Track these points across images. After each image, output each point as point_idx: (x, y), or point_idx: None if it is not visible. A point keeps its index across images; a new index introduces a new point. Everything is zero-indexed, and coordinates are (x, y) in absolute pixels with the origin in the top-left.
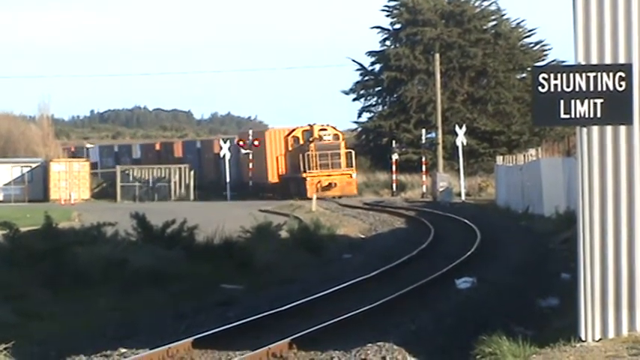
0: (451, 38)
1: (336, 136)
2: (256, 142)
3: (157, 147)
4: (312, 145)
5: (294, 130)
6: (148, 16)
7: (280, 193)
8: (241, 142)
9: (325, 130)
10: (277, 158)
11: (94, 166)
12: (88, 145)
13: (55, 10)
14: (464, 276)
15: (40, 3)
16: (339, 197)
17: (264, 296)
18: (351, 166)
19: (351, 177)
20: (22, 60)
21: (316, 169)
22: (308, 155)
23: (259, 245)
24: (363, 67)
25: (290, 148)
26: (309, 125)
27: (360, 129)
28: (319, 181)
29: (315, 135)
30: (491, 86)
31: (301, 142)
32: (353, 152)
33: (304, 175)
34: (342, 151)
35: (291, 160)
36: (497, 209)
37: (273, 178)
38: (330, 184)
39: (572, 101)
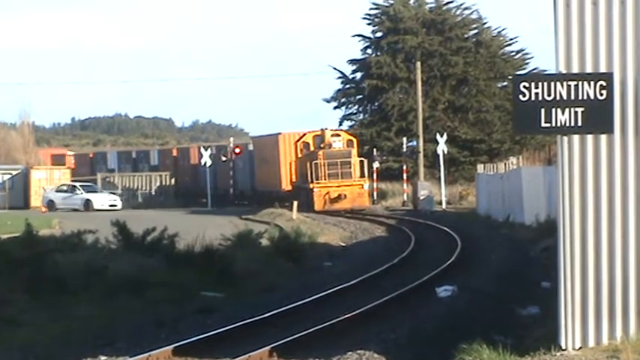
0: (432, 46)
1: (350, 142)
2: (237, 150)
3: (174, 153)
4: (320, 153)
5: (304, 134)
6: (130, 23)
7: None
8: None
9: (338, 135)
10: (291, 164)
11: (110, 172)
12: (108, 152)
13: (35, 16)
14: (444, 284)
15: (21, 9)
16: (350, 210)
17: (244, 304)
18: (364, 176)
19: (362, 188)
20: (3, 66)
21: (324, 179)
22: (316, 164)
23: (240, 253)
24: (344, 75)
25: (300, 155)
26: (321, 130)
27: None
28: (327, 192)
29: (326, 141)
30: (472, 94)
31: (312, 148)
32: (365, 161)
33: (311, 185)
34: (354, 159)
35: (300, 167)
36: (478, 217)
37: (286, 185)
38: (339, 195)
39: (553, 110)
